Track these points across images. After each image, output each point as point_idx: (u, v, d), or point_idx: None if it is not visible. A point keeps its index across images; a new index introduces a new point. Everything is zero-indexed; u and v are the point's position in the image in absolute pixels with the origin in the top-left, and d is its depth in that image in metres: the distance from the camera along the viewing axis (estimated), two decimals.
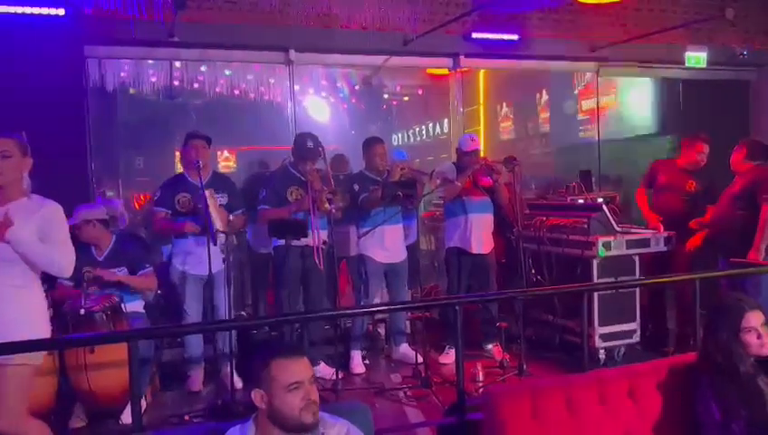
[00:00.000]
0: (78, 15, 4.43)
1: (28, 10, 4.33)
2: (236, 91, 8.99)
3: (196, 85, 8.52)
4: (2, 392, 2.67)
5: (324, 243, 4.54)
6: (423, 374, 4.36)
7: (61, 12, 4.37)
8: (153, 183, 9.33)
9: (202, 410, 4.12)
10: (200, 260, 4.25)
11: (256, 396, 1.98)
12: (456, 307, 2.70)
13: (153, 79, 8.10)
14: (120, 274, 4.08)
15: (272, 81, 8.88)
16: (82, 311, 3.76)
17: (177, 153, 9.98)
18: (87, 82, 4.90)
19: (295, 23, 5.20)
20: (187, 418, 3.99)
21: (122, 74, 7.39)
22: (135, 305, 4.20)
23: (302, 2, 4.78)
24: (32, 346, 3.21)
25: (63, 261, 2.80)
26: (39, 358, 2.79)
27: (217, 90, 8.71)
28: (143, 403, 4.01)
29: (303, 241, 4.43)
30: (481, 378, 4.48)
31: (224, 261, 4.15)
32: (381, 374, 4.84)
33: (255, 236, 5.53)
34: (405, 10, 5.03)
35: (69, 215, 3.98)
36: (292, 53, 5.55)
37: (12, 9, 4.28)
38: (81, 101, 4.74)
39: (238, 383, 4.14)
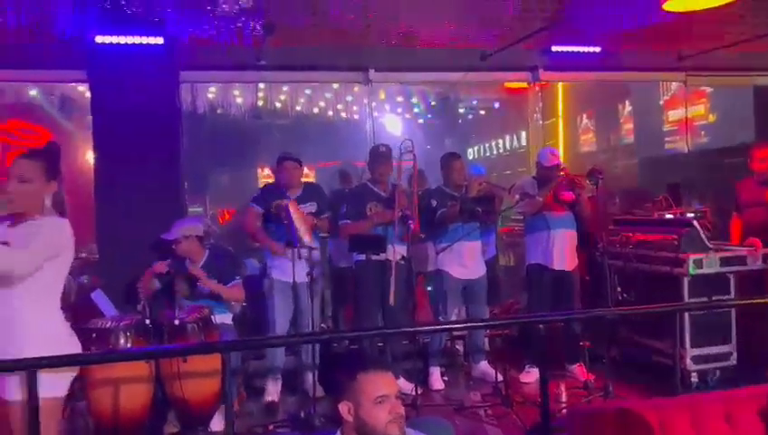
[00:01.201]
0: (175, 44, 4.73)
1: (131, 40, 4.67)
2: (315, 110, 9.32)
3: (278, 105, 8.89)
4: (16, 430, 2.41)
5: (402, 258, 4.59)
6: (503, 393, 4.31)
7: (160, 41, 4.69)
8: (237, 199, 9.77)
9: (284, 420, 4.24)
10: (289, 271, 4.40)
11: (343, 408, 2.02)
12: (541, 326, 2.66)
13: (238, 100, 8.52)
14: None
15: (349, 99, 9.13)
16: (177, 322, 3.97)
17: (260, 170, 10.56)
18: (181, 104, 5.19)
19: (375, 43, 5.33)
20: (271, 428, 4.12)
21: (209, 96, 7.83)
22: (224, 317, 4.39)
23: (383, 23, 4.89)
24: (128, 356, 3.44)
25: (12, 262, 2.38)
26: (64, 390, 2.54)
27: (297, 109, 9.07)
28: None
29: (383, 256, 4.49)
30: (564, 399, 4.36)
31: (307, 275, 4.27)
32: (460, 391, 4.81)
33: (336, 251, 5.65)
34: (483, 26, 5.04)
35: (166, 230, 4.29)
36: (372, 73, 5.69)
37: (117, 39, 4.63)
38: (175, 123, 5.04)
39: (320, 395, 4.24)
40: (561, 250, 4.79)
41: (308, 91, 8.66)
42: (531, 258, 4.92)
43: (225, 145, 8.92)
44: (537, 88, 6.26)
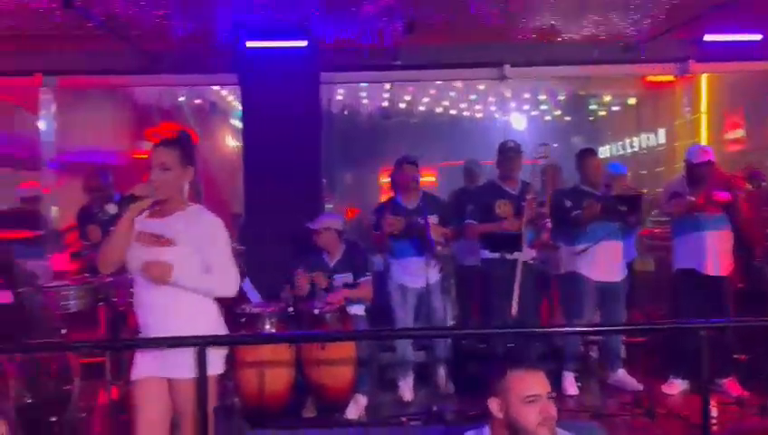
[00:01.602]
0: (317, 46, 4.96)
1: (276, 44, 4.96)
2: (439, 109, 9.36)
3: (403, 105, 9.03)
4: (186, 402, 2.58)
5: (532, 259, 4.48)
6: (645, 403, 4.08)
7: (303, 44, 4.93)
8: (361, 198, 10.05)
9: (416, 414, 4.29)
10: (417, 272, 4.45)
11: (493, 404, 2.01)
12: (702, 333, 2.49)
13: (365, 101, 8.76)
14: (347, 279, 4.44)
15: (473, 97, 9.07)
16: (317, 311, 4.17)
17: (382, 171, 10.78)
18: (320, 105, 5.43)
19: (513, 38, 5.24)
20: (404, 420, 4.19)
21: (338, 97, 8.11)
22: (357, 309, 4.54)
23: (523, 17, 4.79)
24: (271, 339, 3.65)
25: (224, 288, 2.65)
26: (219, 369, 2.69)
27: (421, 108, 9.16)
28: (364, 401, 4.30)
29: (516, 255, 4.41)
30: (714, 414, 4.05)
31: (440, 271, 4.30)
32: (595, 398, 4.61)
33: (461, 249, 5.62)
34: (631, 16, 4.77)
35: (309, 223, 4.51)
36: (507, 68, 5.60)
37: (264, 44, 4.94)
38: (316, 123, 5.28)
39: (449, 389, 4.26)
40: (715, 253, 4.42)
41: (432, 91, 8.70)
42: (680, 262, 4.58)
43: (352, 144, 9.20)
44: (686, 81, 5.83)
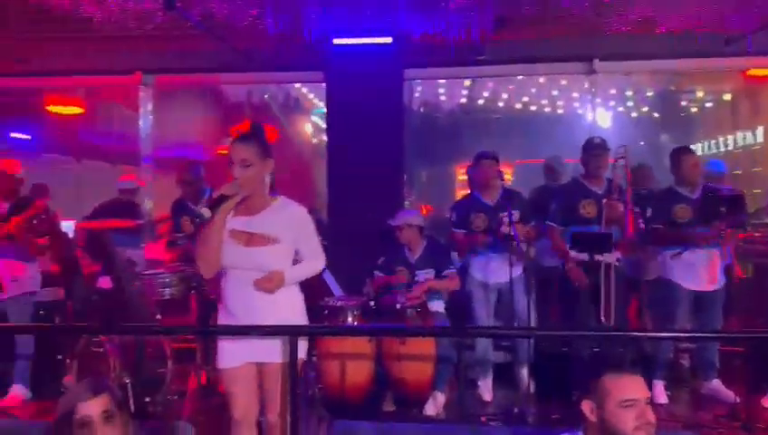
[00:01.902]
0: (402, 42, 4.97)
1: (362, 40, 5.02)
2: (518, 105, 9.17)
3: (481, 101, 8.91)
4: (275, 388, 2.69)
5: (618, 260, 4.31)
6: (742, 417, 3.85)
7: (389, 40, 4.97)
8: (436, 195, 10.01)
9: (497, 413, 4.24)
10: (498, 268, 4.38)
11: (586, 407, 1.97)
12: None
13: (443, 97, 8.71)
14: (429, 275, 4.44)
15: (554, 93, 8.82)
16: (398, 306, 4.20)
17: (457, 167, 10.67)
18: (403, 102, 5.44)
19: (604, 31, 5.05)
20: (483, 419, 4.15)
21: (415, 94, 8.09)
22: (437, 305, 4.53)
23: (617, 9, 4.60)
24: (351, 331, 3.70)
25: (315, 271, 2.83)
26: (303, 354, 2.80)
27: (502, 104, 9.00)
28: (442, 399, 4.29)
29: (605, 257, 4.25)
30: None
31: (524, 270, 4.21)
32: (687, 409, 4.39)
33: (541, 249, 5.47)
34: (739, 6, 4.48)
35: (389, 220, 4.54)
36: (596, 63, 5.41)
37: (350, 41, 5.01)
38: (399, 120, 5.30)
39: (529, 390, 4.18)
40: None
41: (512, 86, 8.53)
42: None
43: (428, 141, 9.16)
44: None
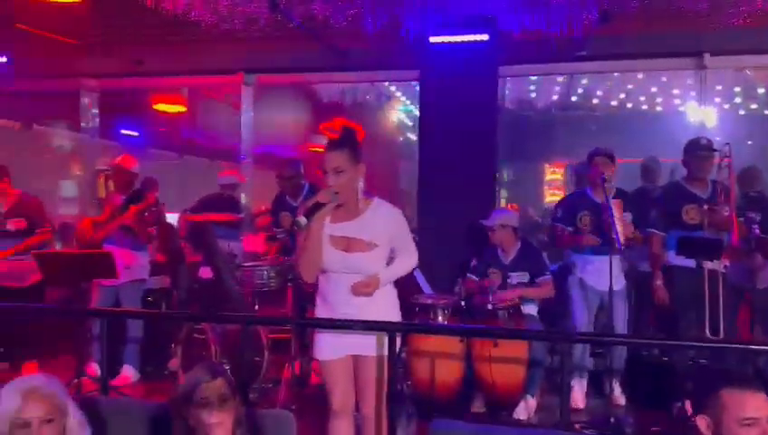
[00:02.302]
0: (498, 39, 4.90)
1: (458, 38, 4.98)
2: (614, 102, 8.78)
3: (575, 98, 8.61)
4: (370, 381, 2.74)
5: (724, 267, 4.04)
6: None
7: (485, 37, 4.90)
8: (523, 194, 9.80)
9: (589, 422, 4.09)
10: (601, 273, 4.22)
11: (701, 423, 1.88)
12: None
13: (534, 94, 8.48)
14: (522, 278, 4.35)
15: (653, 89, 8.38)
16: (490, 307, 4.14)
17: (547, 166, 10.37)
18: (497, 99, 5.36)
19: (717, 25, 4.74)
20: (577, 427, 4.02)
21: (505, 91, 7.92)
22: (530, 309, 4.43)
23: (729, 2, 4.32)
24: (442, 330, 3.69)
25: (408, 268, 2.86)
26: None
27: (597, 101, 8.66)
28: (533, 403, 4.20)
29: (714, 264, 4.00)
30: None
31: (626, 276, 4.05)
32: None
33: (639, 253, 5.22)
34: None
35: (481, 218, 4.49)
36: (707, 58, 5.10)
37: (448, 39, 4.98)
38: (493, 118, 5.23)
39: (621, 400, 4.09)
40: None
41: (608, 82, 8.19)
42: None
43: (517, 139, 8.96)
44: None
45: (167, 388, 4.50)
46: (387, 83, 7.87)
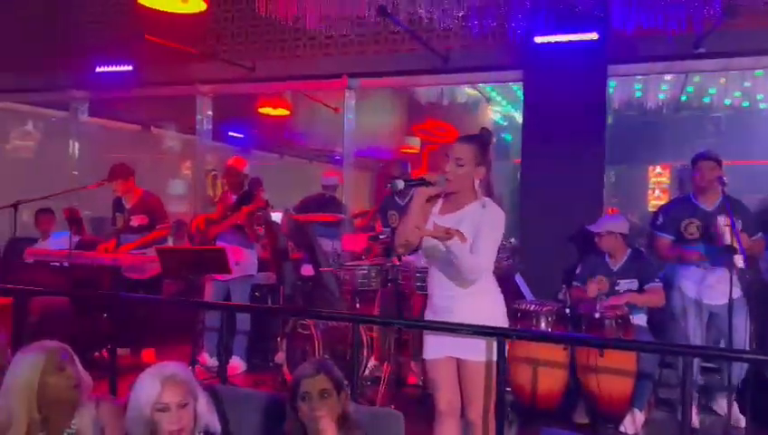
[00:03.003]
0: (607, 38, 4.72)
1: (566, 38, 4.84)
2: (728, 101, 8.19)
3: (684, 98, 8.12)
4: (474, 385, 2.72)
5: None
6: None
7: (594, 36, 4.74)
8: (624, 197, 9.34)
9: None
10: (713, 288, 3.97)
11: None
12: None
13: (638, 94, 8.07)
14: (631, 286, 4.17)
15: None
16: (597, 315, 3.99)
17: (651, 168, 9.82)
18: (605, 99, 5.16)
19: None
20: None
21: (610, 90, 7.58)
22: (640, 319, 4.24)
23: None
24: (554, 338, 3.60)
25: (469, 272, 2.62)
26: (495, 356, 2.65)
27: (709, 100, 8.13)
28: (641, 417, 4.01)
29: None
30: None
31: (742, 290, 3.78)
32: None
33: (765, 263, 4.86)
34: None
35: (587, 224, 4.34)
36: None
37: (554, 38, 4.86)
38: (601, 119, 5.04)
39: (741, 422, 3.82)
40: None
41: (722, 80, 7.65)
42: None
43: (619, 140, 8.58)
44: None
45: (272, 379, 4.70)
46: (481, 84, 7.76)
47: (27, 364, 2.04)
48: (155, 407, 1.90)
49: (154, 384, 1.92)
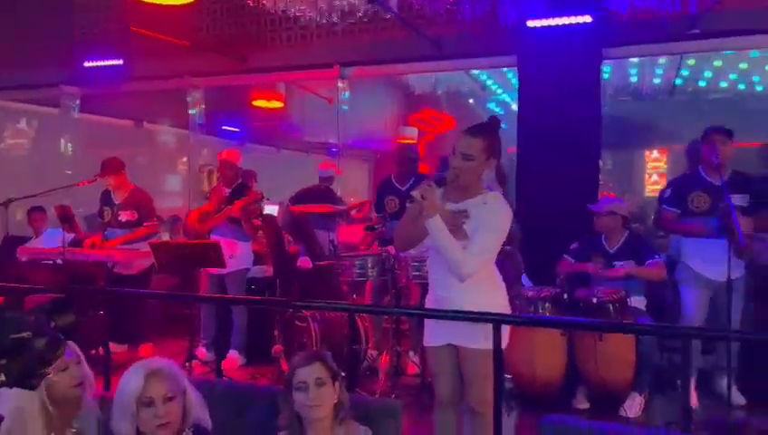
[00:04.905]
0: (601, 20, 4.67)
1: (560, 21, 4.79)
2: (724, 84, 8.16)
3: (680, 81, 8.09)
4: (474, 373, 2.68)
5: None
6: None
7: (588, 19, 4.69)
8: (619, 182, 9.31)
9: (702, 422, 3.85)
10: (719, 261, 3.93)
11: None
12: None
13: (633, 79, 8.03)
14: (627, 267, 4.14)
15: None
16: (595, 300, 3.97)
17: (648, 153, 9.78)
18: (600, 83, 5.12)
19: None
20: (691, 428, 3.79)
21: (604, 74, 7.52)
22: (638, 302, 4.22)
23: None
24: (552, 323, 3.58)
25: (460, 266, 2.54)
26: (505, 343, 2.57)
27: (705, 84, 8.09)
28: (641, 401, 4.01)
29: None
30: None
31: (746, 267, 3.75)
32: None
33: (757, 244, 4.82)
34: None
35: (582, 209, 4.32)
36: None
37: (547, 22, 4.80)
38: (596, 103, 5.00)
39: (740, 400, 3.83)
40: None
41: (717, 62, 7.61)
42: None
43: (617, 123, 8.53)
44: None
45: (270, 372, 4.68)
46: (477, 72, 7.70)
47: None
48: (140, 400, 1.88)
49: (138, 378, 1.90)
